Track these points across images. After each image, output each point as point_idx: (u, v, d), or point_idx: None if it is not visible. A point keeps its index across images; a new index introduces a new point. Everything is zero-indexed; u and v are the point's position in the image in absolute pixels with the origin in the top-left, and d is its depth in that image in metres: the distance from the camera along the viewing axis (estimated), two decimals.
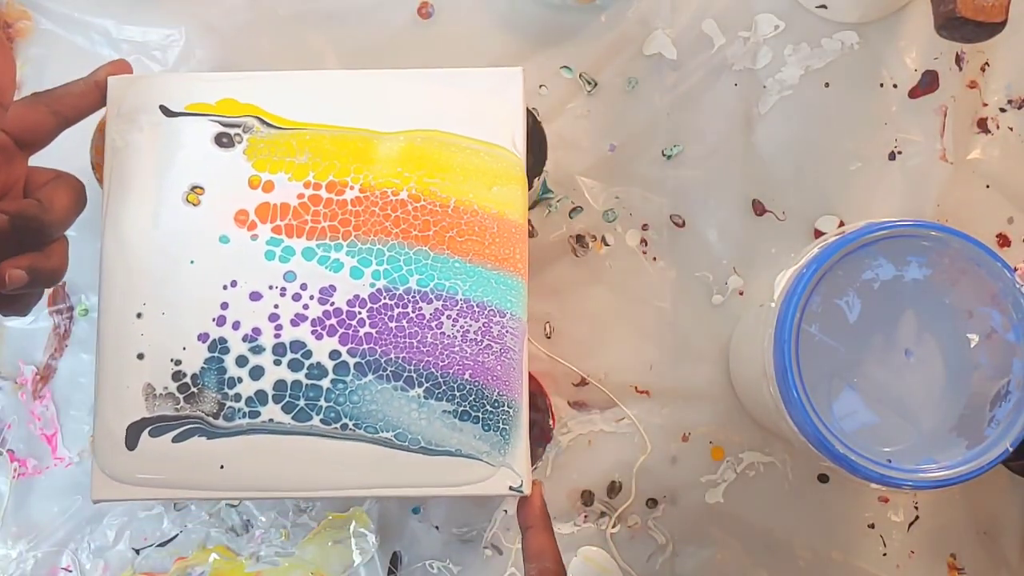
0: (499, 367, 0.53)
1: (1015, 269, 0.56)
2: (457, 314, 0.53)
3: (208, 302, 0.54)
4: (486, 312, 0.54)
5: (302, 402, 0.53)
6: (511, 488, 0.53)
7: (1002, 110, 0.71)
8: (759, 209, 0.70)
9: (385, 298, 0.54)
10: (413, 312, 0.53)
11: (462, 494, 0.53)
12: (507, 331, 0.53)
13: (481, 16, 0.72)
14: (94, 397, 0.53)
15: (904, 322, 0.57)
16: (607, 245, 0.71)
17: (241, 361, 0.53)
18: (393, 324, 0.53)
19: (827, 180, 0.70)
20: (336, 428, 0.53)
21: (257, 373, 0.53)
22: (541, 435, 0.66)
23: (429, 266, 0.54)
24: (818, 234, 0.70)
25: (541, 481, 0.64)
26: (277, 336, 0.53)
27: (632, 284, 0.71)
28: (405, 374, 0.53)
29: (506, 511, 0.69)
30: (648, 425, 0.69)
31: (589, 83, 0.71)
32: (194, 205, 0.54)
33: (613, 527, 0.69)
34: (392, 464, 0.53)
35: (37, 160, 0.54)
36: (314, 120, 0.55)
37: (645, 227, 0.71)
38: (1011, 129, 0.71)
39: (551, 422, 0.66)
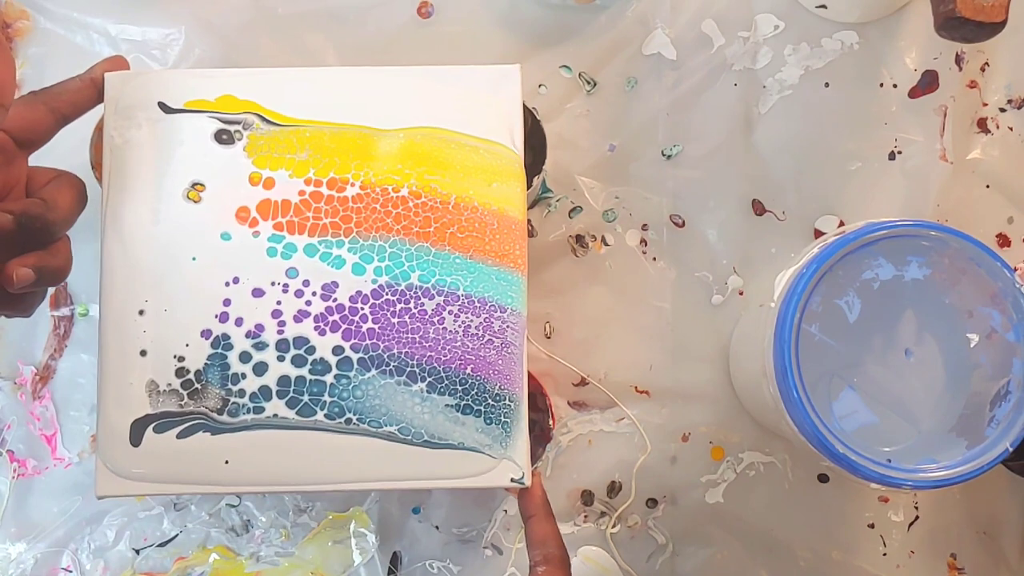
0: (500, 361, 0.53)
1: (1015, 269, 0.56)
2: (458, 309, 0.54)
3: (210, 299, 0.54)
4: (487, 307, 0.54)
5: (306, 397, 0.53)
6: (513, 480, 0.53)
7: (1002, 110, 0.71)
8: (759, 209, 0.71)
9: (387, 294, 0.54)
10: (415, 308, 0.54)
11: (465, 486, 0.53)
12: (508, 326, 0.54)
13: (481, 15, 0.72)
14: (97, 394, 0.53)
15: (904, 322, 0.57)
16: (607, 245, 0.71)
17: (244, 357, 0.53)
18: (395, 320, 0.54)
19: (827, 180, 0.70)
20: (340, 423, 0.53)
21: (261, 369, 0.53)
22: (541, 435, 0.66)
23: (430, 262, 0.54)
24: (818, 234, 0.70)
25: (540, 471, 0.64)
26: (280, 332, 0.53)
27: (632, 284, 0.71)
28: (408, 369, 0.53)
29: (506, 511, 0.69)
30: (648, 425, 0.69)
31: (589, 83, 0.71)
32: (195, 202, 0.54)
33: (613, 527, 0.69)
34: (396, 458, 0.53)
35: (37, 159, 0.54)
36: (313, 117, 0.55)
37: (645, 227, 0.71)
38: (1011, 129, 0.71)
39: (551, 422, 0.66)
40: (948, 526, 0.69)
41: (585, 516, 0.69)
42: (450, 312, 0.54)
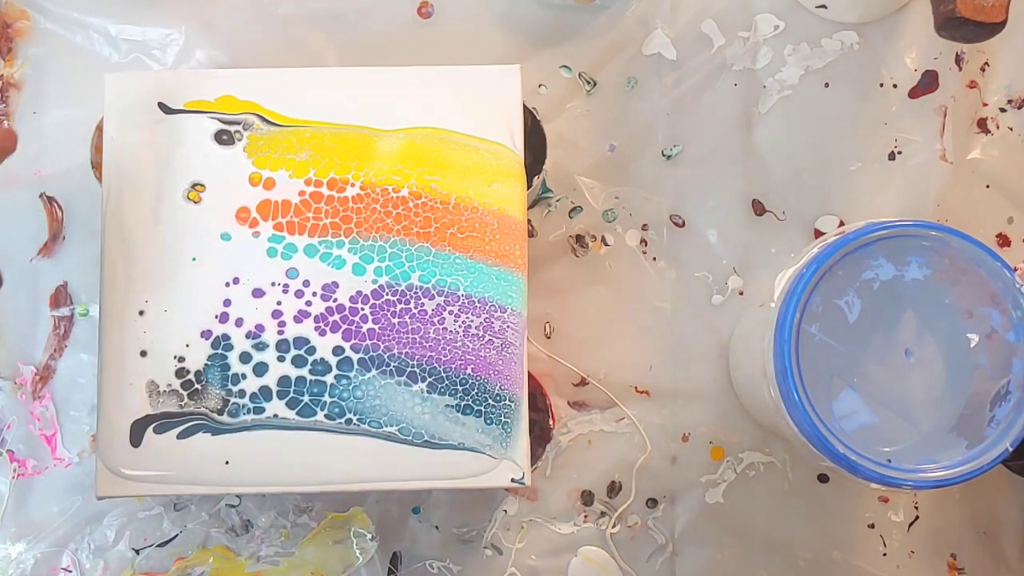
0: (500, 362, 0.53)
1: (1015, 269, 0.56)
2: (459, 310, 0.54)
3: (210, 299, 0.54)
4: (487, 308, 0.54)
5: (306, 398, 0.53)
6: (513, 480, 0.53)
7: (1002, 110, 0.71)
8: (759, 209, 0.70)
9: (387, 294, 0.54)
10: (415, 308, 0.54)
11: (465, 486, 0.53)
12: (508, 326, 0.54)
13: (481, 16, 0.72)
14: (97, 394, 0.53)
15: (904, 322, 0.57)
16: (607, 245, 0.71)
17: (244, 358, 0.53)
18: (396, 320, 0.54)
19: (827, 180, 0.70)
20: (341, 423, 0.53)
21: (261, 369, 0.53)
22: (541, 435, 0.66)
23: (430, 262, 0.54)
24: (818, 234, 0.70)
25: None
26: (280, 332, 0.53)
27: (632, 284, 0.70)
28: (408, 369, 0.53)
29: (506, 511, 0.69)
30: (648, 425, 0.69)
31: (588, 83, 0.71)
32: (195, 202, 0.54)
33: (613, 527, 0.69)
34: (396, 458, 0.53)
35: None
36: (313, 117, 0.55)
37: (645, 227, 0.71)
38: (1011, 129, 0.71)
39: (551, 422, 0.66)
40: (948, 526, 0.69)
41: (585, 516, 0.69)
42: (450, 312, 0.54)
